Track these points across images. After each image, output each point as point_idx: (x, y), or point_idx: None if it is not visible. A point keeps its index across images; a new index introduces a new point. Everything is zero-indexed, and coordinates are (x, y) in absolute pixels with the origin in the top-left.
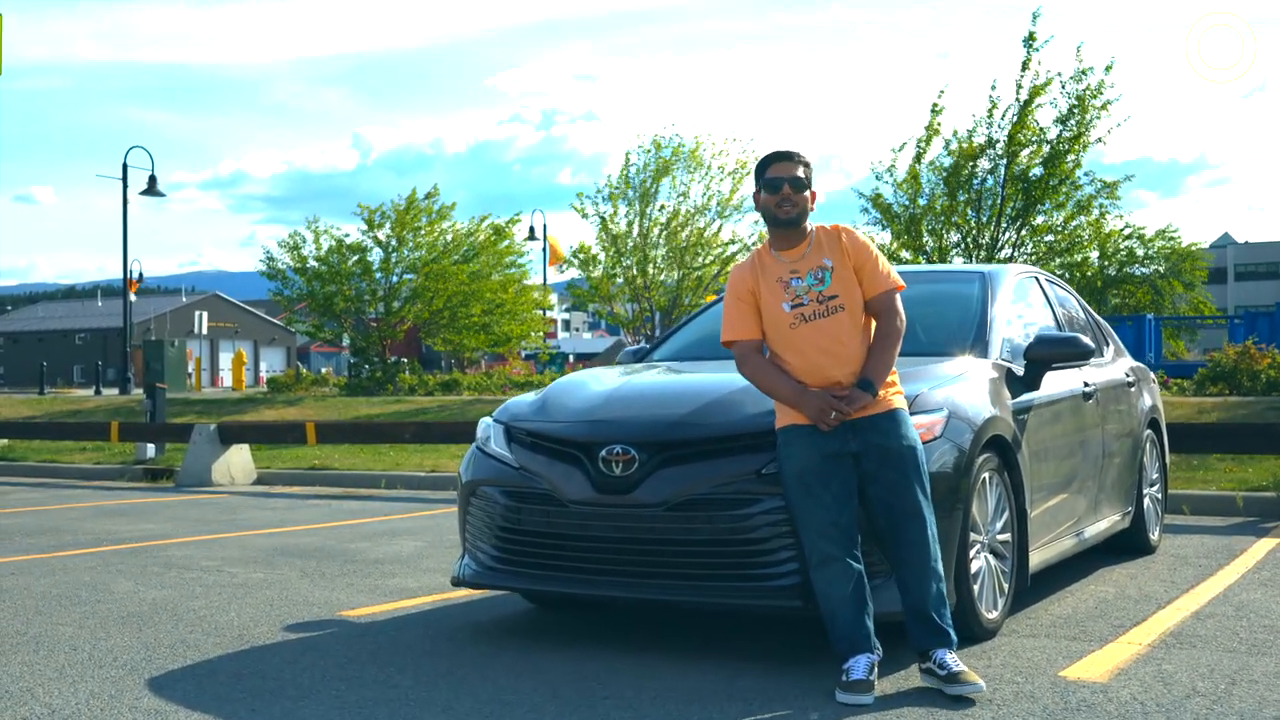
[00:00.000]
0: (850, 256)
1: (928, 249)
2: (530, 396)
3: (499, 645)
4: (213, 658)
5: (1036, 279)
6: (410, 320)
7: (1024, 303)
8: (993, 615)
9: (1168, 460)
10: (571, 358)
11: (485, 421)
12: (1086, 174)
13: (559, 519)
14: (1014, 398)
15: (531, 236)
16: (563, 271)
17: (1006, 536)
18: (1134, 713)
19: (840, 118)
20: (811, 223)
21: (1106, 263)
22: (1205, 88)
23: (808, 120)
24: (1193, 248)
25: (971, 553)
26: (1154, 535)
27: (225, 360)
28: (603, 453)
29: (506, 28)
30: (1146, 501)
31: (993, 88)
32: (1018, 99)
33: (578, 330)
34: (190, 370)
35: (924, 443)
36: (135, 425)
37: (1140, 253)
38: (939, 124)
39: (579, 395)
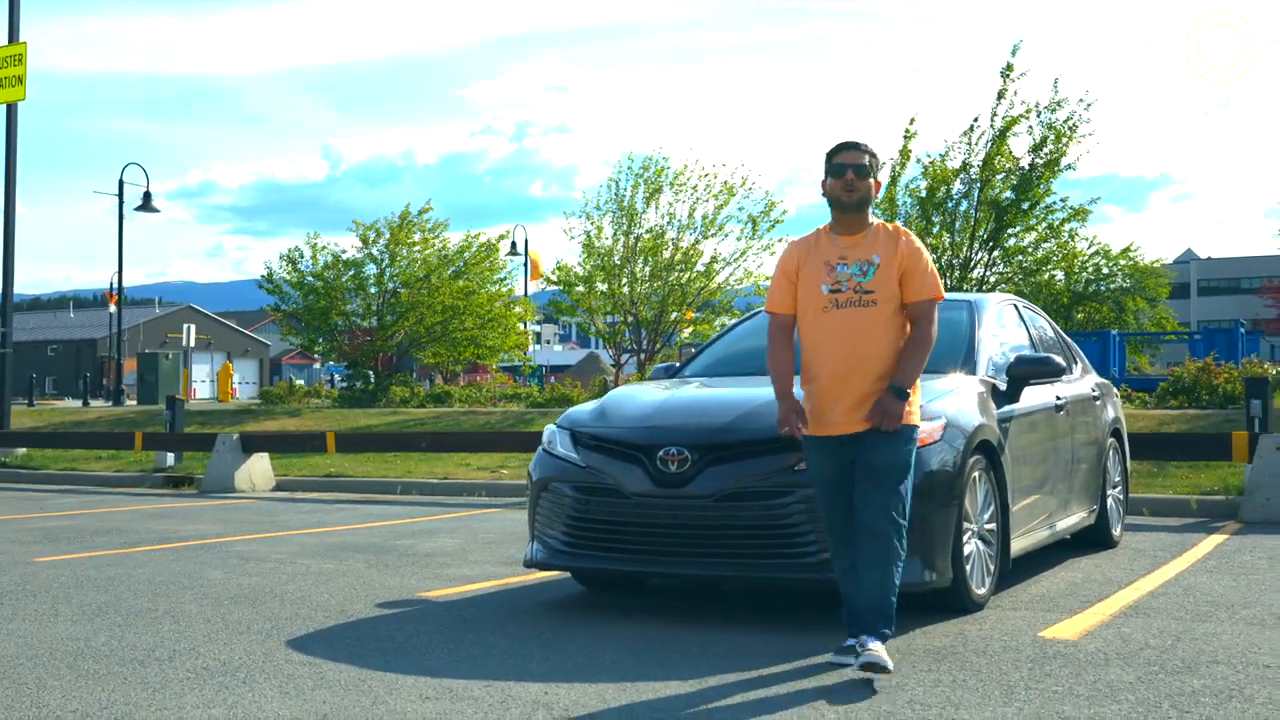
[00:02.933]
0: (902, 259)
1: None
2: (589, 406)
3: (570, 617)
4: (329, 626)
5: (1015, 305)
6: (403, 334)
7: (1004, 326)
8: (981, 591)
9: (1129, 466)
10: (543, 369)
11: (550, 428)
12: (1060, 199)
13: (623, 509)
14: (998, 409)
15: (514, 251)
16: (541, 286)
17: (992, 526)
18: (1098, 660)
19: (813, 130)
20: (876, 217)
21: (1073, 280)
22: (1169, 104)
23: (781, 132)
24: (1155, 264)
25: (964, 539)
26: (1116, 531)
27: (199, 372)
28: (660, 453)
29: (478, 39)
30: (1110, 501)
31: (975, 121)
32: (993, 126)
33: (549, 343)
34: (181, 383)
35: (925, 445)
36: (159, 435)
37: (1105, 270)
38: (910, 148)
39: (635, 405)
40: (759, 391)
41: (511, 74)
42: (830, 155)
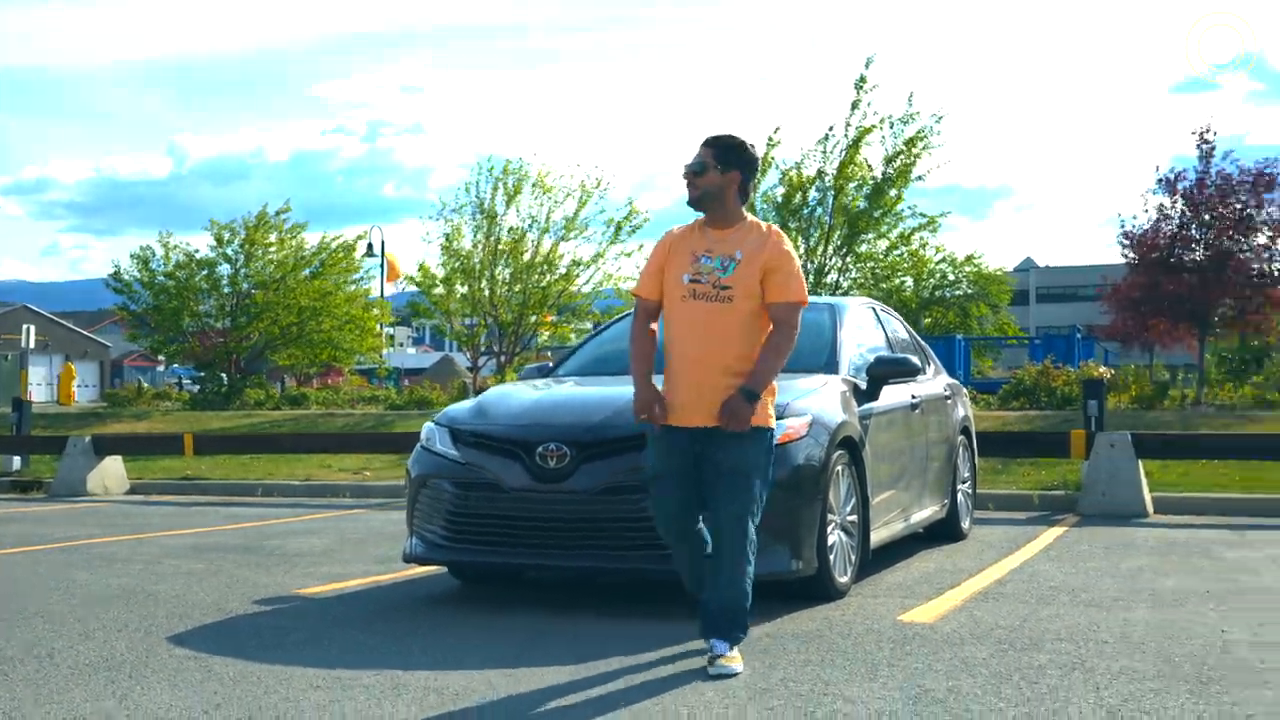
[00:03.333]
0: (766, 259)
1: None
2: (467, 404)
3: (449, 610)
4: (208, 623)
5: (873, 309)
6: (258, 335)
7: (863, 329)
8: (844, 579)
9: (976, 463)
10: (399, 372)
11: (429, 426)
12: (909, 207)
13: (502, 503)
14: (859, 407)
15: (370, 253)
16: (399, 288)
17: (854, 518)
18: (954, 640)
19: (666, 135)
20: (750, 214)
21: (921, 286)
22: (1012, 117)
23: (635, 137)
24: (998, 272)
25: (829, 530)
26: (965, 524)
27: (35, 375)
28: (539, 449)
29: (331, 36)
30: (960, 496)
31: (830, 130)
32: (846, 136)
33: (402, 345)
34: (20, 386)
35: (792, 441)
36: (4, 437)
37: (951, 277)
38: (772, 157)
39: (513, 403)
40: (632, 390)
41: (364, 73)
42: None
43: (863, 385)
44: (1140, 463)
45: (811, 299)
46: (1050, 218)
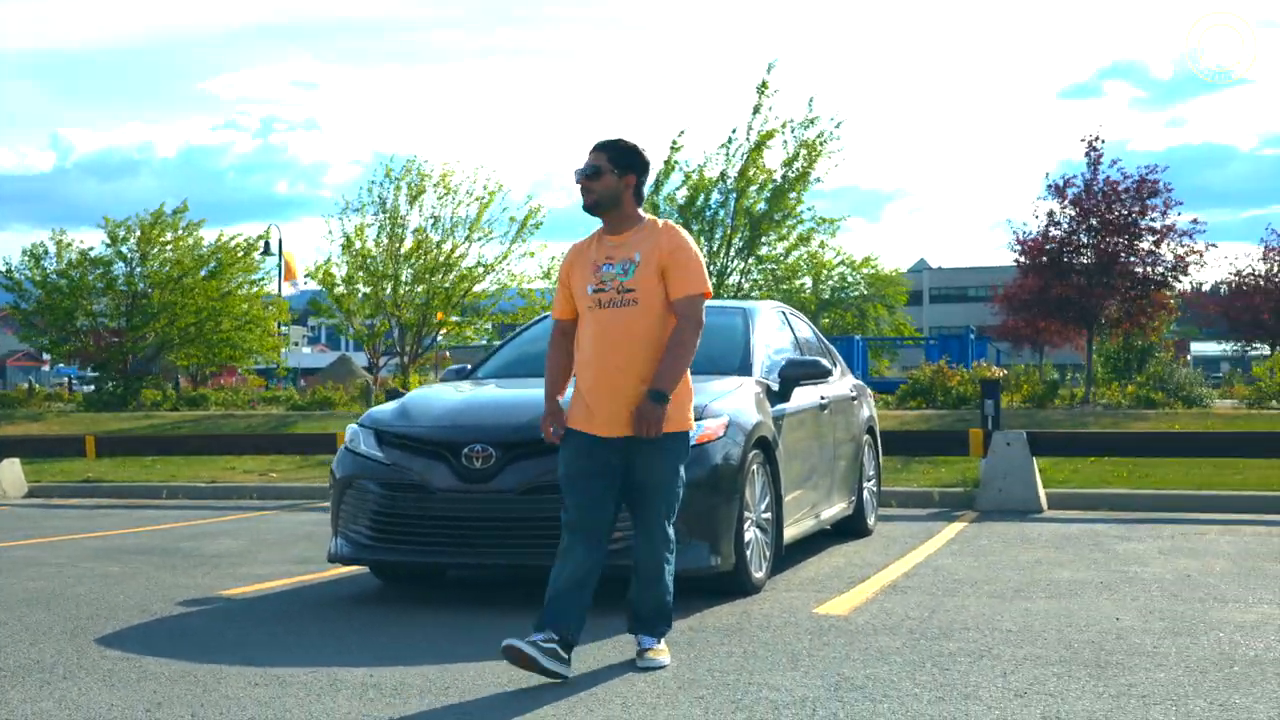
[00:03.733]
0: (662, 255)
1: None
2: (390, 406)
3: (375, 608)
4: (135, 625)
5: (782, 312)
6: (154, 336)
7: (774, 331)
8: (759, 575)
9: (881, 461)
10: (295, 372)
11: (353, 427)
12: (808, 209)
13: (429, 503)
14: (772, 407)
15: (267, 251)
16: (297, 287)
17: (768, 515)
18: (868, 631)
19: (564, 134)
20: (647, 214)
21: (820, 288)
22: (906, 120)
23: (532, 136)
24: (894, 274)
25: (745, 527)
26: (870, 521)
27: None
28: (465, 450)
29: (221, 29)
30: (865, 494)
31: (733, 133)
32: (748, 139)
33: (297, 345)
34: None
35: (710, 441)
36: None
37: (850, 279)
38: (675, 159)
39: (438, 405)
40: None
41: (257, 68)
42: None
43: (775, 387)
44: (1035, 460)
45: (723, 303)
46: (942, 220)
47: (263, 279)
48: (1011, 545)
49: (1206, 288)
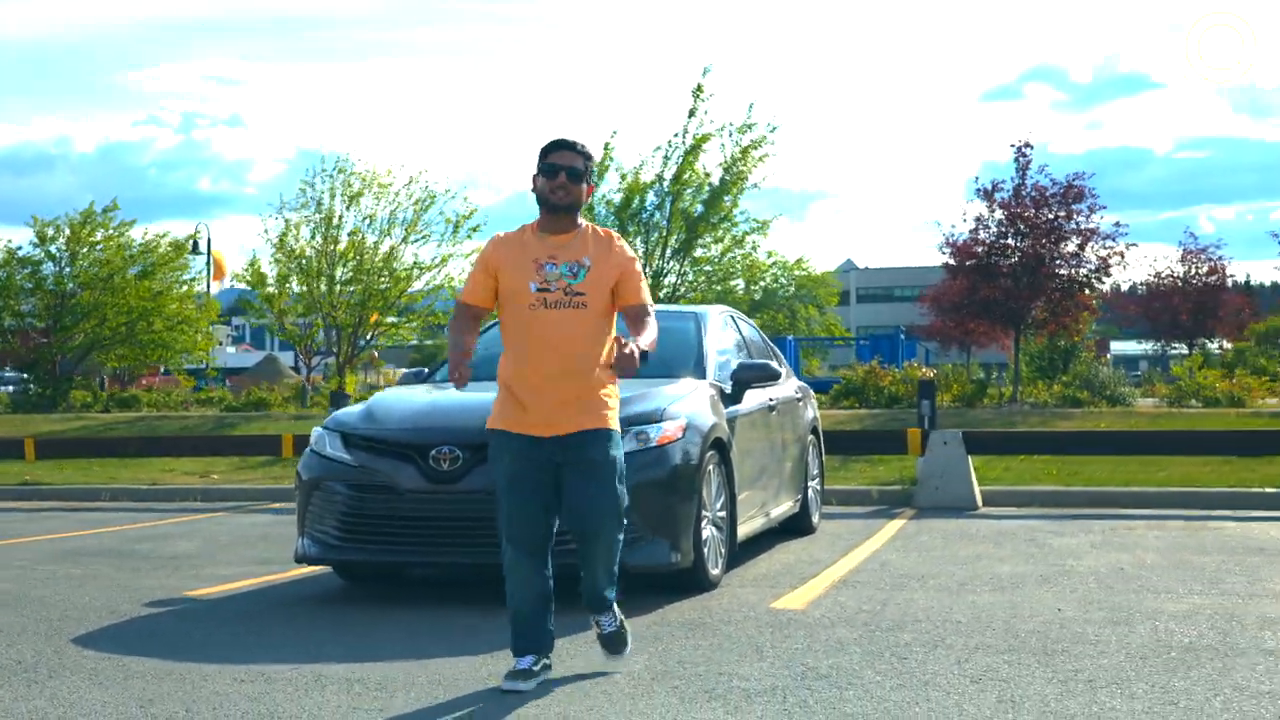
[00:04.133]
0: (616, 265)
1: None
2: (356, 410)
3: (343, 607)
4: (107, 626)
5: (731, 316)
6: (83, 336)
7: (724, 335)
8: (716, 571)
9: (824, 460)
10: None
11: (318, 430)
12: (741, 212)
13: (397, 504)
14: (725, 409)
15: (195, 250)
16: (226, 285)
17: (724, 514)
18: (825, 624)
19: (484, 135)
20: (583, 219)
21: (752, 289)
22: (833, 121)
23: (458, 135)
24: (826, 276)
25: (702, 525)
26: (815, 519)
27: None
28: (433, 452)
29: (142, 22)
30: (810, 492)
31: (674, 136)
32: (684, 143)
33: (221, 344)
34: None
35: (670, 443)
36: None
37: (782, 280)
38: (610, 160)
39: (403, 408)
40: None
41: (179, 63)
42: (544, 152)
43: (728, 389)
44: (970, 458)
45: (675, 308)
46: (867, 220)
47: (193, 279)
48: (952, 541)
49: (1125, 288)
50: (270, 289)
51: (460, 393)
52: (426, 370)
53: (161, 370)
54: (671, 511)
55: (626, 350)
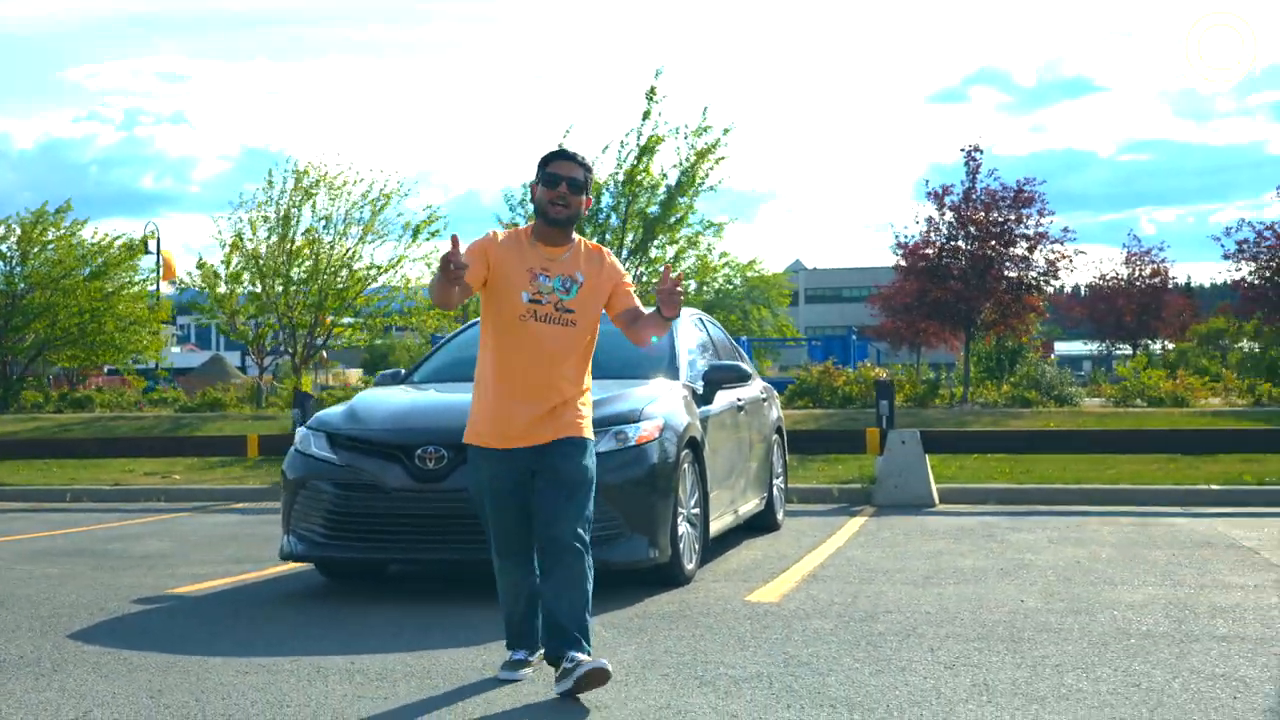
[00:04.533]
0: (608, 279)
1: None
2: (338, 410)
3: (330, 603)
4: (99, 623)
5: (700, 318)
6: (34, 337)
7: (695, 337)
8: (691, 566)
9: (787, 459)
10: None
11: (303, 430)
12: (695, 215)
13: (383, 502)
14: (699, 409)
15: (145, 250)
16: (173, 285)
17: (697, 511)
18: (801, 615)
19: (437, 132)
20: (576, 233)
21: (705, 290)
22: (776, 123)
23: (406, 132)
24: (777, 277)
25: (678, 522)
26: (779, 516)
27: None
28: (419, 452)
29: (83, 18)
30: (774, 490)
31: (626, 135)
32: (638, 144)
33: (166, 344)
34: None
35: (647, 442)
36: None
37: (734, 281)
38: None
39: (387, 408)
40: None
41: (122, 59)
42: (544, 162)
43: (699, 390)
44: (927, 457)
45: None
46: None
47: (145, 279)
48: (913, 537)
49: (1068, 289)
50: (221, 289)
51: (439, 394)
52: (403, 372)
53: (105, 370)
54: (650, 509)
55: (673, 285)
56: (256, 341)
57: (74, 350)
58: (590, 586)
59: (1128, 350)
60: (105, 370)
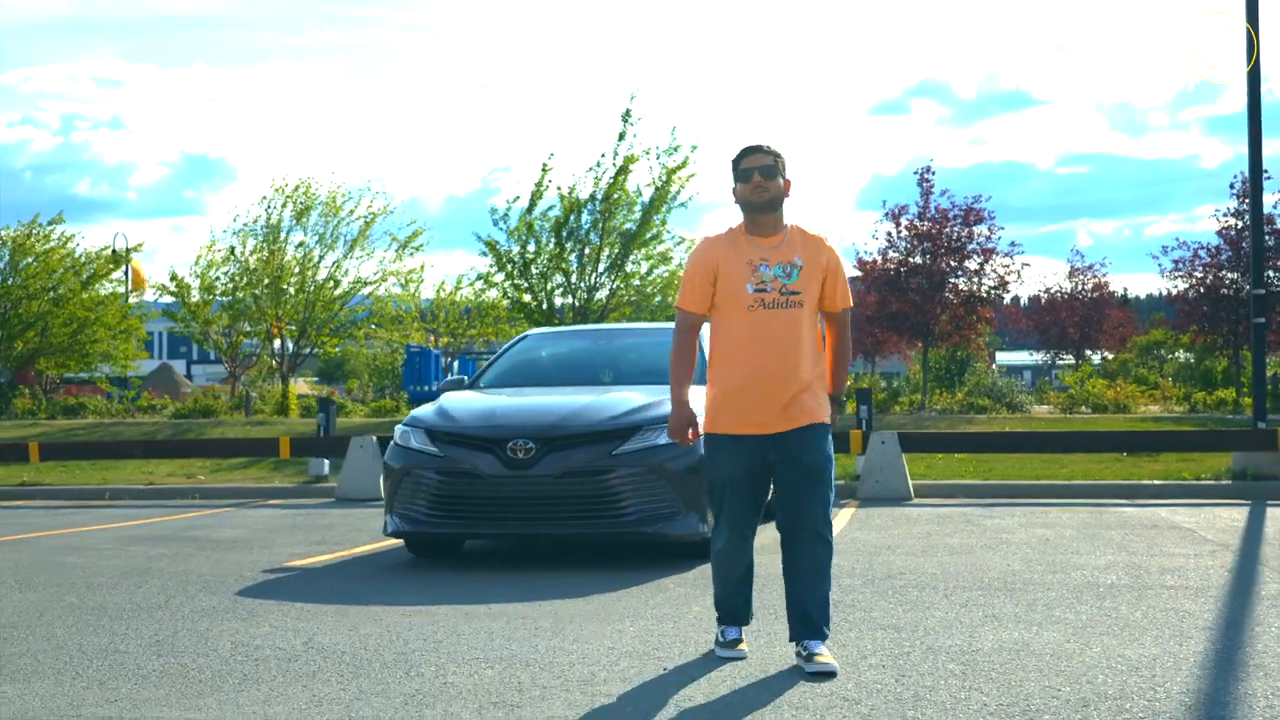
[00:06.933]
0: (827, 265)
1: (535, 290)
2: (429, 410)
3: (439, 571)
4: (252, 584)
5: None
6: (23, 346)
7: None
8: None
9: None
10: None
11: (401, 428)
12: (668, 231)
13: (480, 487)
14: None
15: (128, 258)
16: (154, 296)
17: None
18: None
19: (380, 141)
20: (789, 221)
21: (673, 303)
22: (722, 131)
23: (349, 140)
24: None
25: None
26: None
27: None
28: (510, 444)
29: (18, 21)
30: None
31: (602, 157)
32: (615, 164)
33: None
34: None
35: (698, 437)
36: None
37: None
38: (548, 181)
39: (474, 408)
40: (573, 398)
41: (57, 63)
42: (736, 162)
43: None
44: (903, 455)
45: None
46: None
47: (122, 291)
48: (900, 524)
49: (1009, 301)
50: (195, 299)
51: (514, 397)
52: (467, 380)
53: (62, 378)
54: (702, 491)
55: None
56: (231, 351)
57: (65, 359)
58: (831, 571)
59: (1071, 360)
60: (62, 378)
